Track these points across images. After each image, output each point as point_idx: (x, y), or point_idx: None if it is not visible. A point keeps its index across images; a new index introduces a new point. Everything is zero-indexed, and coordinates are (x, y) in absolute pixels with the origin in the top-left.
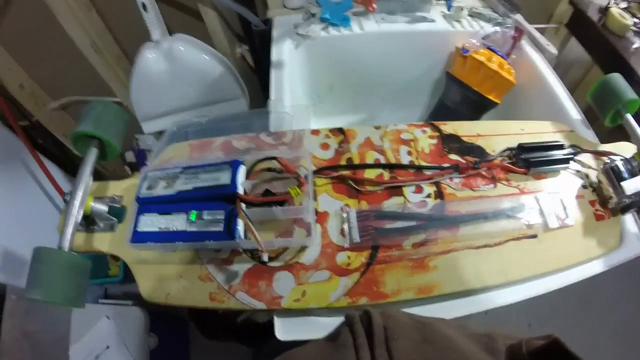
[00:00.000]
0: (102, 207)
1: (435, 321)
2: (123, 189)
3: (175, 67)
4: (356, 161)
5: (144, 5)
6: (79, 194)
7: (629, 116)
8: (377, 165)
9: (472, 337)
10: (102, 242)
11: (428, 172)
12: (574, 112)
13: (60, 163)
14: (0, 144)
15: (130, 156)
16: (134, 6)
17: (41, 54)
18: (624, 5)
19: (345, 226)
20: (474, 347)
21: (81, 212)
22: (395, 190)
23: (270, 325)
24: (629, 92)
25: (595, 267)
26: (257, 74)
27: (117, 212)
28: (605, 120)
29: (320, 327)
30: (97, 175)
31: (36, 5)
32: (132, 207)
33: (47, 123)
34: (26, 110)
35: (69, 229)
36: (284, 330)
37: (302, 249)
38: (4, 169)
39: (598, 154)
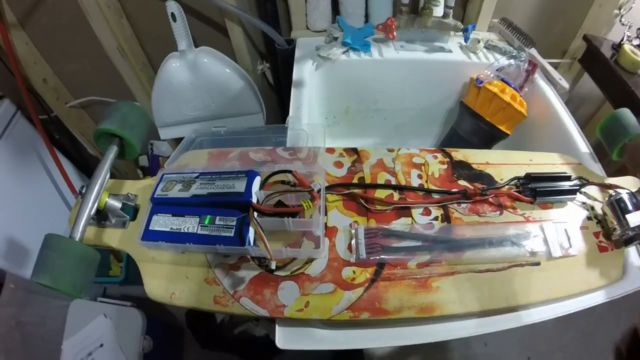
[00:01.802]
0: (116, 204)
1: None
2: (138, 188)
3: (197, 78)
4: (368, 181)
5: (173, 16)
6: (96, 188)
7: None
8: (387, 185)
9: None
10: (113, 237)
11: (437, 196)
12: (583, 146)
13: (73, 159)
14: (19, 135)
15: (143, 160)
16: (163, 17)
17: (68, 51)
18: (637, 42)
19: (353, 242)
20: None
21: (95, 206)
22: (404, 211)
23: (267, 341)
24: (637, 127)
25: (597, 298)
26: (275, 92)
27: (130, 210)
28: (613, 154)
29: (320, 339)
30: (109, 175)
31: (69, 4)
32: (146, 206)
33: (66, 119)
34: (46, 105)
35: (82, 220)
36: (285, 339)
37: (309, 260)
38: (19, 159)
39: (604, 187)
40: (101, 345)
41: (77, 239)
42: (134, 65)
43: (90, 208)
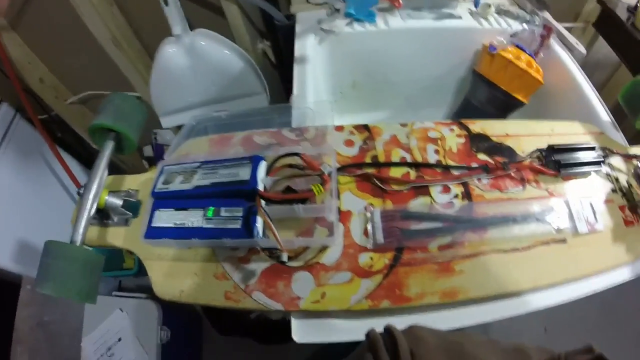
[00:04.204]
0: (117, 201)
1: (466, 340)
2: (139, 183)
3: (195, 62)
4: (381, 159)
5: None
6: (94, 187)
7: None
8: (403, 163)
9: (504, 355)
10: (116, 236)
11: (456, 172)
12: (603, 114)
13: (79, 156)
14: (20, 137)
15: (148, 150)
16: (155, 1)
17: (62, 48)
18: None
19: (369, 226)
20: None
21: (95, 206)
22: (422, 190)
23: (283, 323)
24: None
25: (624, 275)
26: (278, 70)
27: (132, 206)
28: (637, 122)
29: (338, 330)
30: (116, 169)
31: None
32: (148, 201)
33: (67, 117)
34: (46, 104)
35: (82, 223)
36: (301, 332)
37: (323, 248)
38: (23, 162)
39: (629, 157)
40: (119, 340)
41: (77, 243)
42: (129, 55)
43: (89, 209)
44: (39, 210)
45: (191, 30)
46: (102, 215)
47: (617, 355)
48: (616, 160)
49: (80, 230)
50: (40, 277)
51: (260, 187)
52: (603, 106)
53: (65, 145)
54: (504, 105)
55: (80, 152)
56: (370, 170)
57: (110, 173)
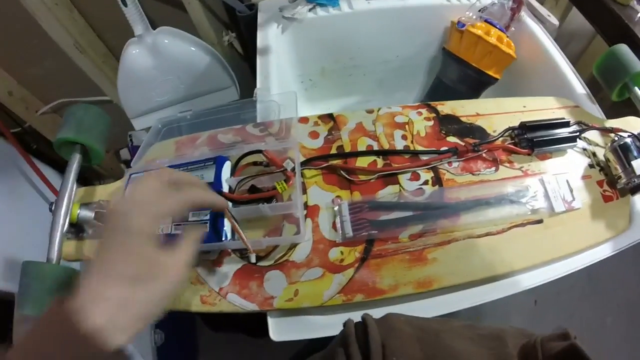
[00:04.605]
0: (89, 214)
1: (443, 327)
2: (110, 192)
3: (161, 61)
4: (347, 149)
5: (123, 1)
6: (64, 203)
7: (637, 90)
8: (369, 152)
9: (480, 342)
10: (92, 249)
11: (425, 157)
12: (578, 86)
13: (57, 165)
14: None
15: (125, 154)
16: (115, 3)
17: (27, 58)
18: None
19: (337, 220)
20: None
21: (67, 222)
22: (390, 178)
23: None
24: (637, 64)
25: (605, 251)
26: (247, 61)
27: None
28: (613, 94)
29: (315, 327)
30: (96, 175)
31: (16, 10)
32: None
33: (40, 127)
34: (18, 117)
35: (56, 240)
36: (278, 331)
37: (293, 245)
38: (2, 178)
39: (606, 131)
40: None
41: (53, 261)
42: (94, 59)
43: (62, 225)
44: (25, 225)
45: (154, 28)
46: (77, 228)
47: (603, 322)
48: (592, 134)
49: (55, 247)
50: (20, 298)
51: (225, 188)
52: (578, 78)
53: (42, 156)
54: (476, 83)
55: (57, 161)
56: (336, 162)
57: (89, 180)
